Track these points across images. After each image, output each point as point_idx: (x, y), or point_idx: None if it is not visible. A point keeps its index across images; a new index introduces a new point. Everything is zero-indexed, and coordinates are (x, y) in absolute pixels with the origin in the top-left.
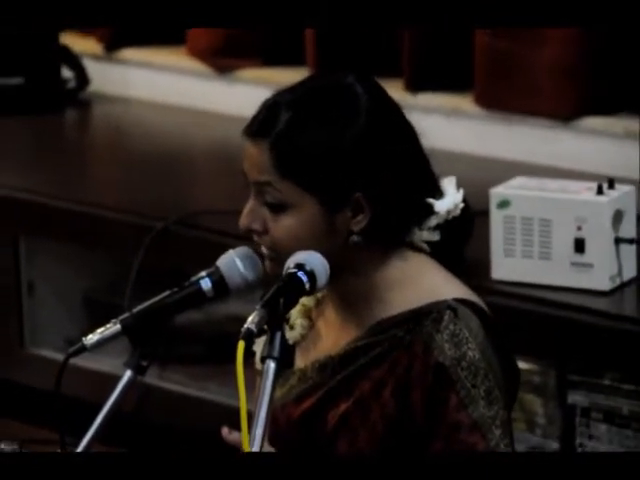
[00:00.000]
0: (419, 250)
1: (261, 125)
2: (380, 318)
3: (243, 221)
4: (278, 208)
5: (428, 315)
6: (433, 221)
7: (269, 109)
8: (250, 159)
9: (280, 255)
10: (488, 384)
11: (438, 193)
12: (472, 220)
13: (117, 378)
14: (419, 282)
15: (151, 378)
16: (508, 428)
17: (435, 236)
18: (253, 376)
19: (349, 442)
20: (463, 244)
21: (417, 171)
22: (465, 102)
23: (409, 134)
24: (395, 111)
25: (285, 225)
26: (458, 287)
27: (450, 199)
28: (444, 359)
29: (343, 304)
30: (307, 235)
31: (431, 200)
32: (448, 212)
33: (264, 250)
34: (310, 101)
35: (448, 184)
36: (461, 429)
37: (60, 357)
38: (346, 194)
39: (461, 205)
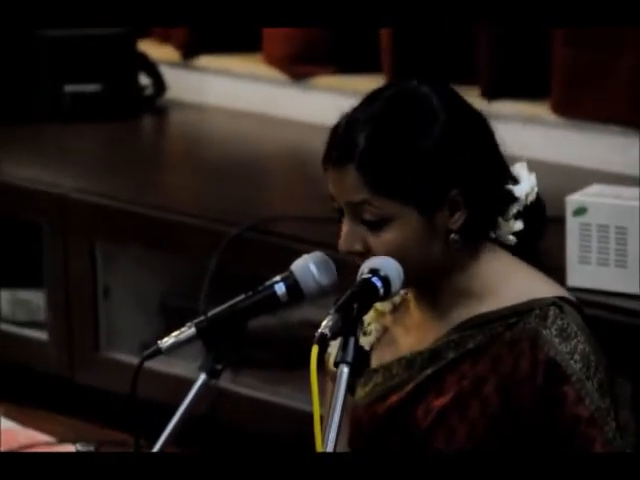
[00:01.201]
0: (504, 245)
1: (341, 151)
2: (473, 315)
3: (343, 244)
4: (378, 224)
5: (529, 312)
6: (514, 208)
7: (345, 133)
8: (338, 183)
9: None
10: (600, 376)
11: (513, 180)
12: (545, 206)
13: (191, 381)
14: (513, 279)
15: (224, 382)
16: (617, 420)
17: (519, 224)
18: (325, 381)
19: (446, 439)
20: (542, 230)
21: (496, 161)
22: (542, 109)
23: (483, 125)
24: (464, 104)
25: (388, 239)
26: (553, 284)
27: (526, 183)
28: (555, 354)
29: (433, 304)
30: (411, 243)
31: (510, 187)
32: (526, 196)
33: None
34: (386, 113)
35: (520, 169)
36: (580, 422)
37: (135, 361)
38: (441, 195)
39: (536, 188)
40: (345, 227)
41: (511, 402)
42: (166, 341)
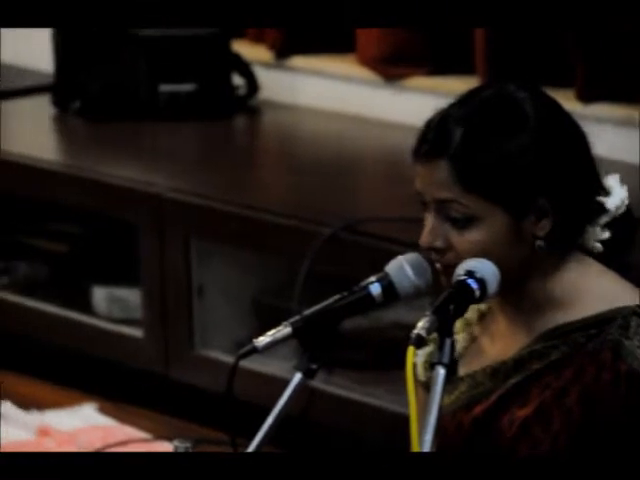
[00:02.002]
0: (589, 253)
1: (434, 144)
2: (556, 324)
3: (425, 239)
4: (464, 223)
5: (611, 322)
6: (603, 219)
7: (439, 127)
8: (427, 178)
9: None
10: None
11: (604, 191)
12: (636, 219)
13: (283, 381)
14: (596, 287)
15: (317, 382)
16: None
17: (606, 234)
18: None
19: (530, 450)
20: (631, 242)
21: (588, 171)
22: (638, 112)
23: (578, 135)
24: (560, 113)
25: (473, 238)
26: (636, 292)
27: (617, 196)
28: (638, 365)
29: (516, 311)
30: (496, 245)
31: (600, 198)
32: (616, 208)
33: (440, 267)
34: (481, 114)
35: (613, 181)
36: None
37: (229, 359)
38: (530, 200)
39: (626, 201)
40: (429, 223)
41: (594, 414)
42: (262, 340)
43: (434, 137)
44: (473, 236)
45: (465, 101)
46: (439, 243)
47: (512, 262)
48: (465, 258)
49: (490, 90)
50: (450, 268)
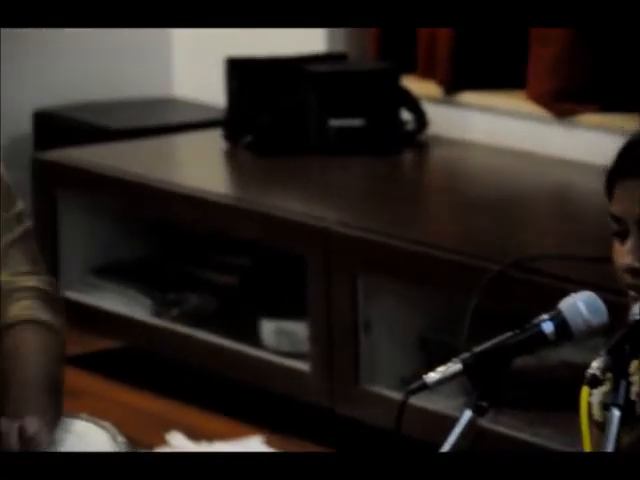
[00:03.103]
0: None
1: None
2: None
3: (626, 260)
4: None
5: None
6: None
7: None
8: (634, 195)
9: None
10: None
11: None
12: None
13: (450, 418)
14: None
15: (484, 420)
16: None
17: None
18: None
19: None
20: None
21: None
22: None
23: None
24: None
25: None
26: None
27: None
28: None
29: None
30: None
31: None
32: None
33: (635, 293)
34: None
35: None
36: None
37: (395, 395)
38: None
39: None
40: (631, 243)
41: None
42: (432, 376)
43: None
44: None
45: None
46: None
47: None
48: None
49: None
50: None
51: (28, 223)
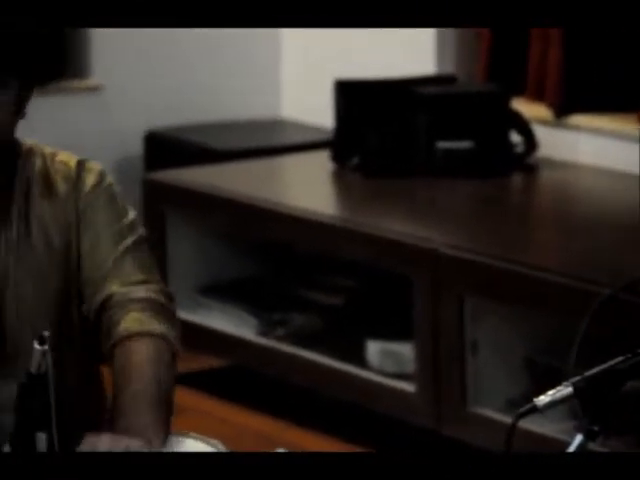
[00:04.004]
0: None
1: None
2: None
3: None
4: None
5: None
6: None
7: None
8: None
9: None
10: None
11: None
12: None
13: (559, 442)
14: None
15: (593, 444)
16: None
17: None
18: None
19: None
20: None
21: None
22: None
23: None
24: None
25: None
26: None
27: None
28: None
29: None
30: None
31: None
32: None
33: None
34: None
35: None
36: None
37: (502, 417)
38: None
39: None
40: None
41: None
42: (542, 399)
43: None
44: None
45: None
46: None
47: None
48: None
49: None
50: None
51: (140, 232)
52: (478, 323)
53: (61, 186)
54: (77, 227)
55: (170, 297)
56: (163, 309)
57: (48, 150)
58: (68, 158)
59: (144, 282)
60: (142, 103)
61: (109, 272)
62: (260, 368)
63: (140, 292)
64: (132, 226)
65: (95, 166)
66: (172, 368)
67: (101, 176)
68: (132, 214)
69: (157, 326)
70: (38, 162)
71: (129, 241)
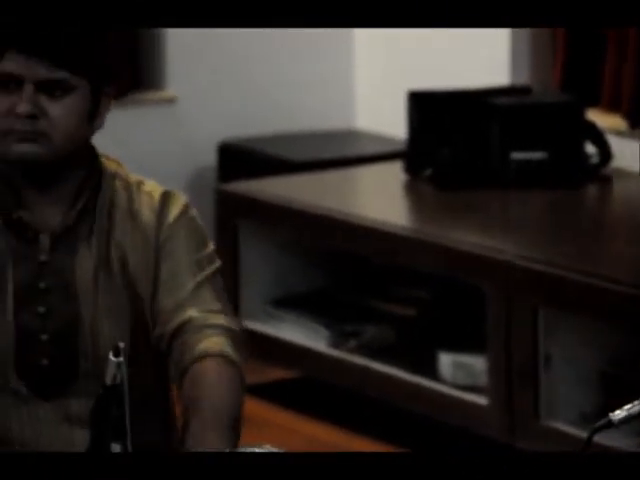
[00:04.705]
0: None
1: None
2: None
3: None
4: None
5: None
6: None
7: None
8: None
9: None
10: None
11: None
12: None
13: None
14: None
15: None
16: None
17: None
18: None
19: None
20: None
21: None
22: None
23: None
24: None
25: None
26: None
27: None
28: None
29: None
30: None
31: None
32: None
33: None
34: None
35: None
36: None
37: (576, 431)
38: None
39: None
40: None
41: None
42: (618, 414)
43: None
44: None
45: None
46: None
47: None
48: None
49: None
50: None
51: (218, 264)
52: (551, 335)
53: (145, 215)
54: (156, 257)
55: (242, 329)
56: (238, 340)
57: (133, 178)
58: (153, 188)
59: (221, 312)
60: (216, 114)
61: (187, 300)
62: (331, 380)
63: (218, 319)
64: (211, 257)
65: (179, 198)
66: (243, 396)
67: (185, 208)
68: (211, 246)
69: (233, 353)
70: (122, 188)
71: (208, 272)
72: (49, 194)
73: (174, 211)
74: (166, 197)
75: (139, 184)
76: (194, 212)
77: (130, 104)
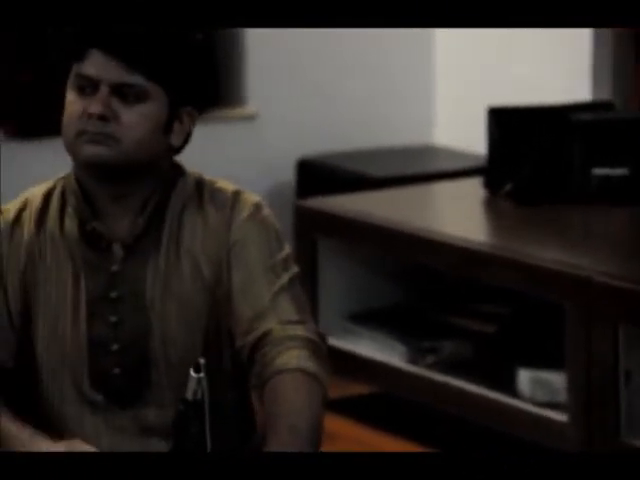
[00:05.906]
0: None
1: None
2: None
3: None
4: None
5: None
6: None
7: None
8: None
9: None
10: None
11: None
12: None
13: None
14: None
15: None
16: None
17: None
18: None
19: None
20: None
21: None
22: None
23: None
24: None
25: None
26: None
27: None
28: None
29: None
30: None
31: None
32: None
33: None
34: None
35: None
36: None
37: None
38: None
39: None
40: None
41: None
42: None
43: None
44: None
45: None
46: None
47: None
48: None
49: None
50: None
51: (295, 269)
52: (632, 352)
53: (214, 216)
54: (228, 261)
55: (323, 338)
56: (318, 350)
57: (207, 178)
58: (226, 187)
59: (300, 322)
60: (295, 131)
61: (265, 310)
62: (409, 395)
63: (298, 331)
64: (286, 263)
65: (251, 197)
66: (322, 405)
67: (256, 208)
68: (287, 249)
69: (312, 364)
70: (193, 189)
71: (284, 279)
72: (121, 204)
73: (245, 211)
74: (237, 196)
75: (212, 183)
76: (267, 212)
77: (210, 120)
